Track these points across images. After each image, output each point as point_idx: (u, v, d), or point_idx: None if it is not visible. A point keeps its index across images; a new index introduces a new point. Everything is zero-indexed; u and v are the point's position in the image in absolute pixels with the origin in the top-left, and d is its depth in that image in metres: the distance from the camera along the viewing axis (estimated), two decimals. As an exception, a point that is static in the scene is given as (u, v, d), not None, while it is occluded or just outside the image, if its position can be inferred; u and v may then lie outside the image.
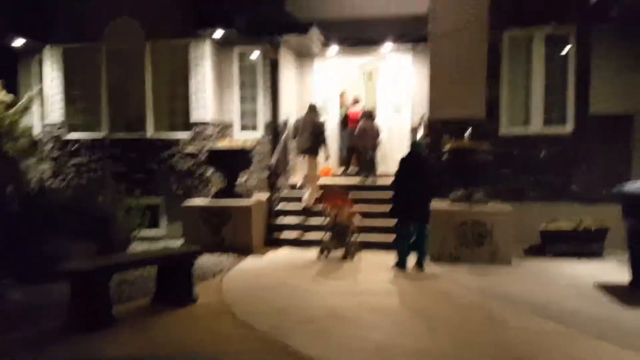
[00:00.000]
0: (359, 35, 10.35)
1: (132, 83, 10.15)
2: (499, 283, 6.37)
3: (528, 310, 5.23)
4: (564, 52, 8.75)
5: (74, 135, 10.34)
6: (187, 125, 10.04)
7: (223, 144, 9.14)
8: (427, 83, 10.21)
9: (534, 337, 4.55)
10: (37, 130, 10.55)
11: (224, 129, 10.50)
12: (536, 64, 8.79)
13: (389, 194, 7.51)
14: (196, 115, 9.96)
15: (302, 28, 9.45)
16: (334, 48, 10.57)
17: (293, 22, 9.69)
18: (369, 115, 10.13)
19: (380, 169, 10.26)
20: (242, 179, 9.63)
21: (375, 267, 7.16)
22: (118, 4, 9.79)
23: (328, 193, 7.97)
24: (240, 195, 8.79)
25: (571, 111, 8.70)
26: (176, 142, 10.01)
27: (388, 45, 10.39)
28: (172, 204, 9.71)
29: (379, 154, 10.36)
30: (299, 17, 9.96)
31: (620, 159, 8.58)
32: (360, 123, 10.13)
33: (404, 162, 7.27)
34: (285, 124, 9.98)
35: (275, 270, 7.05)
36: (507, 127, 8.94)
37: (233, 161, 8.86)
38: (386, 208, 7.71)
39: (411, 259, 7.14)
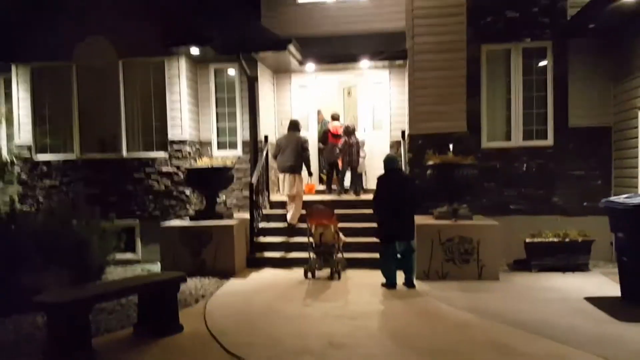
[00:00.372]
0: (337, 52, 10.28)
1: (105, 102, 9.82)
2: (491, 301, 6.26)
3: (528, 331, 5.09)
4: (541, 66, 8.84)
5: (44, 157, 9.93)
6: (164, 144, 9.76)
7: (202, 162, 8.88)
8: (405, 99, 10.26)
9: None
10: (4, 152, 10.11)
11: (202, 147, 10.28)
12: (515, 78, 8.87)
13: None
14: (172, 134, 9.70)
15: (279, 44, 9.30)
16: (311, 65, 10.46)
17: (270, 39, 9.55)
18: (353, 131, 10.03)
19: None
20: (221, 198, 9.38)
21: (364, 287, 6.98)
22: (89, 22, 9.50)
23: (312, 211, 7.77)
24: (220, 215, 8.54)
25: (551, 124, 8.78)
26: (152, 161, 9.71)
27: (366, 62, 10.35)
28: (149, 226, 9.38)
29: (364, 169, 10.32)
30: (276, 33, 9.84)
31: (600, 171, 8.68)
32: (346, 139, 10.01)
33: (382, 180, 7.16)
34: (265, 141, 9.79)
35: (261, 294, 6.79)
36: (488, 141, 8.95)
37: (213, 180, 8.60)
38: (372, 224, 7.55)
39: (399, 277, 6.99)
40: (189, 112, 9.82)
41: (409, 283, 6.99)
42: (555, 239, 7.85)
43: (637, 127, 7.78)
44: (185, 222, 8.47)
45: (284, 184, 9.08)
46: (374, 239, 7.36)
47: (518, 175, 8.84)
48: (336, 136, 10.43)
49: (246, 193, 9.81)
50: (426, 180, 8.28)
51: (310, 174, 9.42)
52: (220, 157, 9.79)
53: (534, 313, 5.70)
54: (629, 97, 8.06)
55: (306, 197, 9.55)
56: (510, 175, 8.85)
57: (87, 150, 9.86)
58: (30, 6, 9.67)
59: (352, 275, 7.67)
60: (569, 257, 7.80)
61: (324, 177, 10.96)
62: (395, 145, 10.66)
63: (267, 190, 9.88)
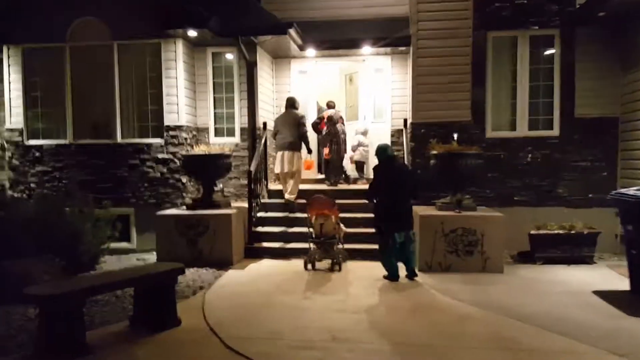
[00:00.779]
0: (338, 37, 10.03)
1: (99, 85, 9.52)
2: (495, 294, 6.11)
3: (534, 324, 4.95)
4: (548, 54, 8.63)
5: (36, 142, 9.65)
6: (159, 130, 9.48)
7: (199, 149, 8.64)
8: (408, 86, 10.04)
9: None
10: (-6, 137, 9.84)
11: (199, 133, 10.03)
12: (521, 66, 8.65)
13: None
14: (168, 119, 9.42)
15: (280, 28, 9.03)
16: (311, 50, 10.21)
17: (270, 22, 9.26)
18: (337, 120, 9.86)
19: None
20: (218, 186, 9.16)
21: (365, 279, 6.81)
22: (82, 1, 9.19)
23: (313, 201, 7.57)
24: (218, 204, 8.32)
25: (557, 114, 8.59)
26: (147, 147, 9.44)
27: (367, 48, 10.10)
28: (144, 214, 9.14)
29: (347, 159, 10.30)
30: (276, 16, 9.55)
31: (607, 162, 8.52)
32: (330, 128, 9.83)
33: (377, 171, 6.99)
34: (263, 127, 9.56)
35: (260, 285, 6.60)
36: (493, 130, 8.75)
37: (211, 167, 8.35)
38: (372, 215, 7.35)
39: (400, 269, 6.83)
40: (185, 97, 9.55)
41: (410, 274, 6.83)
42: (561, 231, 7.69)
43: (645, 118, 7.63)
44: (182, 211, 8.25)
45: (282, 162, 8.87)
46: (375, 230, 7.17)
47: (523, 166, 8.66)
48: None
49: (244, 181, 9.61)
50: (429, 170, 8.08)
51: (309, 151, 9.21)
52: (218, 144, 9.60)
53: (540, 306, 5.55)
54: (637, 87, 7.88)
55: (305, 186, 9.35)
56: (515, 165, 8.67)
57: (80, 135, 9.57)
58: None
59: (353, 267, 7.50)
60: (574, 249, 7.66)
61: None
62: (396, 134, 10.47)
63: (266, 179, 9.66)
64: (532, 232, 7.80)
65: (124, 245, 9.10)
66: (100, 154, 9.44)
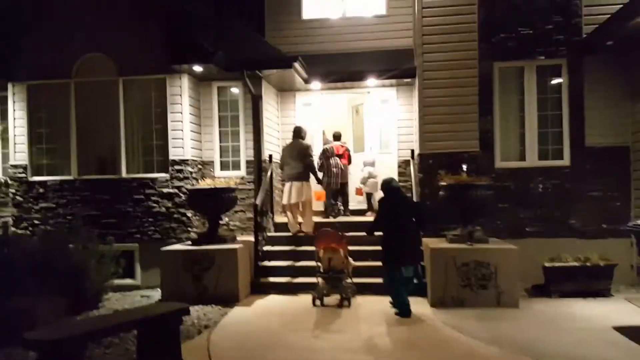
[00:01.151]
0: (342, 70, 10.03)
1: (104, 121, 9.50)
2: (515, 331, 5.87)
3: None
4: (555, 84, 8.57)
5: (40, 178, 9.58)
6: (164, 164, 9.41)
7: (205, 182, 8.54)
8: (414, 117, 9.99)
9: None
10: (-1, 173, 9.79)
11: (204, 167, 9.96)
12: (529, 96, 8.59)
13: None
14: (174, 154, 9.36)
15: (285, 62, 9.04)
16: (316, 83, 10.21)
17: (275, 56, 9.29)
18: (332, 154, 9.84)
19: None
20: (223, 220, 9.03)
21: (376, 315, 6.60)
22: (87, 38, 9.26)
23: (321, 235, 7.41)
24: (224, 239, 8.15)
25: (567, 143, 8.49)
26: (152, 182, 9.36)
27: (372, 80, 10.09)
28: (149, 250, 8.98)
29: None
30: (280, 50, 9.58)
31: (620, 191, 8.36)
32: (323, 161, 9.79)
33: (382, 203, 6.91)
34: (269, 160, 9.47)
35: (267, 323, 6.38)
36: (502, 161, 8.64)
37: (217, 201, 8.21)
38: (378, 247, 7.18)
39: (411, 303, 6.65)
40: (191, 131, 9.51)
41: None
42: (576, 263, 7.48)
43: (657, 146, 7.50)
44: (187, 246, 8.08)
45: (290, 192, 8.75)
46: (382, 263, 6.99)
47: (534, 196, 8.50)
48: (338, 156, 10.12)
49: (249, 215, 9.48)
50: (438, 201, 7.95)
51: (318, 181, 9.11)
52: (223, 177, 9.50)
53: (563, 345, 5.30)
54: (648, 115, 7.80)
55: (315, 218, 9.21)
56: (526, 196, 8.51)
57: (85, 170, 9.51)
58: (27, 22, 9.41)
59: (362, 302, 7.28)
60: (590, 282, 7.43)
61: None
62: (403, 165, 10.36)
63: (272, 212, 9.52)
64: (547, 264, 7.59)
65: (128, 281, 8.94)
66: (104, 189, 9.35)
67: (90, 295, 7.30)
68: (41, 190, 9.51)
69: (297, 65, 9.09)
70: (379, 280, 7.45)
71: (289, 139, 10.23)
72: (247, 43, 9.71)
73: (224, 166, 10.02)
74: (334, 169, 9.71)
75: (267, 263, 8.56)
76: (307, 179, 8.87)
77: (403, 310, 6.58)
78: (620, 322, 6.07)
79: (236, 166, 9.96)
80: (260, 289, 8.08)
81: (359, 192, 10.28)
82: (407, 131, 10.42)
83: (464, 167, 8.00)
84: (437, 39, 8.70)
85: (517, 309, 6.85)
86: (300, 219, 8.95)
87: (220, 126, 10.05)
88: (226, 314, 6.90)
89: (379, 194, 9.71)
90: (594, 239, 8.23)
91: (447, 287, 7.09)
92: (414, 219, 6.78)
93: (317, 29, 10.75)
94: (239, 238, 8.72)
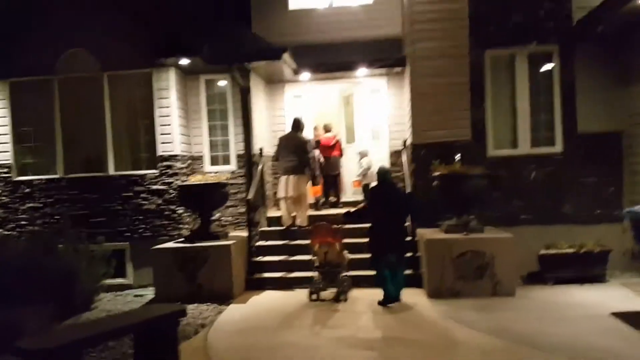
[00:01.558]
0: (331, 60, 9.89)
1: (89, 118, 9.28)
2: (512, 321, 5.85)
3: (563, 356, 4.68)
4: (547, 71, 8.51)
5: (26, 177, 9.35)
6: (153, 161, 9.24)
7: (196, 178, 8.38)
8: (404, 107, 9.90)
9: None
10: (-19, 174, 9.53)
11: (194, 162, 9.79)
12: (520, 83, 8.51)
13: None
14: (162, 149, 9.19)
15: (274, 53, 8.87)
16: (306, 74, 10.06)
17: (263, 48, 9.10)
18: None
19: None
20: (215, 216, 8.89)
21: (373, 309, 6.55)
22: (70, 34, 9.00)
23: (316, 229, 7.33)
24: (216, 235, 8.03)
25: (559, 130, 8.44)
26: (141, 179, 9.19)
27: (362, 70, 9.97)
28: (140, 248, 8.83)
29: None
30: (268, 42, 9.40)
31: (612, 178, 8.35)
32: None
33: (373, 192, 7.07)
34: (259, 153, 9.33)
35: (264, 321, 6.29)
36: (494, 149, 8.58)
37: (208, 197, 8.08)
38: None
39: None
40: (179, 125, 9.33)
41: (396, 298, 6.75)
42: (571, 250, 7.49)
43: (650, 132, 7.49)
44: (179, 244, 7.94)
45: (286, 186, 8.65)
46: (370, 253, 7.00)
47: (527, 184, 8.46)
48: (329, 147, 10.03)
49: (241, 209, 9.37)
50: (432, 192, 7.87)
51: (314, 178, 9.00)
52: (214, 172, 9.33)
53: (563, 335, 5.29)
54: (640, 101, 7.78)
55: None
56: (519, 184, 8.46)
57: (71, 169, 9.30)
58: (8, 19, 9.13)
59: (359, 295, 7.23)
60: (586, 269, 7.46)
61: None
62: (394, 155, 10.28)
63: (264, 206, 9.40)
64: (542, 252, 7.60)
65: (119, 281, 8.79)
66: (92, 188, 9.17)
67: (81, 297, 7.15)
68: (27, 190, 9.29)
69: (286, 56, 8.93)
70: (373, 272, 7.41)
71: (279, 132, 10.14)
72: (234, 35, 9.51)
73: (214, 161, 9.86)
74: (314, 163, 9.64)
75: (261, 258, 8.46)
76: (302, 172, 8.75)
77: (388, 297, 6.62)
78: (618, 307, 6.07)
79: (226, 160, 9.80)
80: (255, 285, 7.99)
81: (356, 184, 10.19)
82: (398, 120, 10.33)
83: (458, 157, 7.92)
84: (428, 27, 8.57)
85: (513, 297, 6.85)
86: (294, 213, 8.84)
87: (209, 120, 9.86)
88: (222, 312, 6.81)
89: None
90: (588, 225, 8.21)
91: (444, 278, 7.07)
92: (402, 211, 6.93)
93: (304, 20, 10.57)
94: (231, 234, 8.60)
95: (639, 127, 7.82)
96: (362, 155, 10.09)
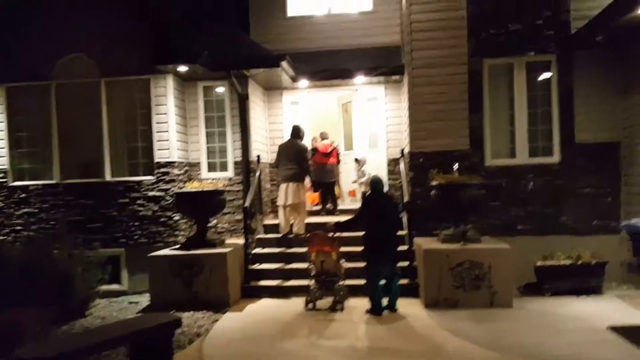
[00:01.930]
0: (329, 67, 9.90)
1: (86, 123, 9.24)
2: (510, 333, 5.82)
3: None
4: (545, 80, 8.52)
5: (22, 182, 9.30)
6: (150, 167, 9.20)
7: (193, 185, 8.35)
8: (402, 115, 9.91)
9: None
10: (-23, 178, 9.48)
11: (191, 168, 9.76)
12: (519, 93, 8.52)
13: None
14: (159, 156, 9.15)
15: (272, 61, 8.87)
16: (304, 81, 10.06)
17: (262, 55, 9.10)
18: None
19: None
20: (211, 223, 8.86)
21: (371, 319, 6.52)
22: (68, 39, 8.98)
23: (313, 238, 7.29)
24: (213, 242, 7.99)
25: (557, 140, 8.44)
26: (138, 185, 9.15)
27: (360, 78, 9.98)
28: (135, 254, 8.80)
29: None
30: (266, 49, 9.40)
31: (609, 188, 8.34)
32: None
33: (369, 201, 7.09)
34: (257, 161, 9.31)
35: (260, 330, 6.25)
36: (492, 158, 8.57)
37: (205, 204, 8.04)
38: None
39: (384, 302, 6.79)
40: (176, 132, 9.29)
41: (391, 308, 6.79)
42: (568, 262, 7.47)
43: (647, 143, 7.49)
44: (175, 251, 7.90)
45: (286, 193, 8.63)
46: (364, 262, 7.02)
47: (524, 194, 8.45)
48: (325, 155, 10.03)
49: (238, 216, 9.33)
50: (429, 201, 7.87)
51: (312, 185, 8.99)
52: (211, 179, 9.32)
53: (560, 347, 5.27)
54: (638, 111, 7.77)
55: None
56: (516, 193, 8.46)
57: (68, 174, 9.25)
58: (6, 23, 9.11)
59: (356, 305, 7.18)
60: (583, 280, 7.41)
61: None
62: (392, 163, 10.28)
63: (261, 213, 9.38)
64: (539, 263, 7.58)
65: (114, 287, 8.75)
66: (89, 193, 9.12)
67: (76, 303, 7.12)
68: (23, 195, 9.24)
69: (284, 64, 8.93)
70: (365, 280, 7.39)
71: (277, 139, 10.13)
72: (232, 42, 9.50)
73: (211, 167, 9.82)
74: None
75: (257, 266, 8.42)
76: (302, 180, 8.75)
77: (375, 308, 6.68)
78: (615, 321, 6.04)
79: (224, 167, 9.76)
80: (252, 292, 7.95)
81: (351, 194, 10.19)
82: (396, 129, 10.35)
83: (456, 166, 7.91)
84: (426, 35, 8.59)
85: (510, 308, 6.82)
86: (292, 220, 8.82)
87: (206, 127, 9.82)
88: (217, 320, 6.76)
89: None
90: (585, 236, 8.20)
91: (441, 288, 7.04)
92: (394, 220, 7.04)
93: (302, 27, 10.63)
94: (227, 241, 8.58)
95: (637, 137, 7.82)
96: (362, 164, 10.09)
